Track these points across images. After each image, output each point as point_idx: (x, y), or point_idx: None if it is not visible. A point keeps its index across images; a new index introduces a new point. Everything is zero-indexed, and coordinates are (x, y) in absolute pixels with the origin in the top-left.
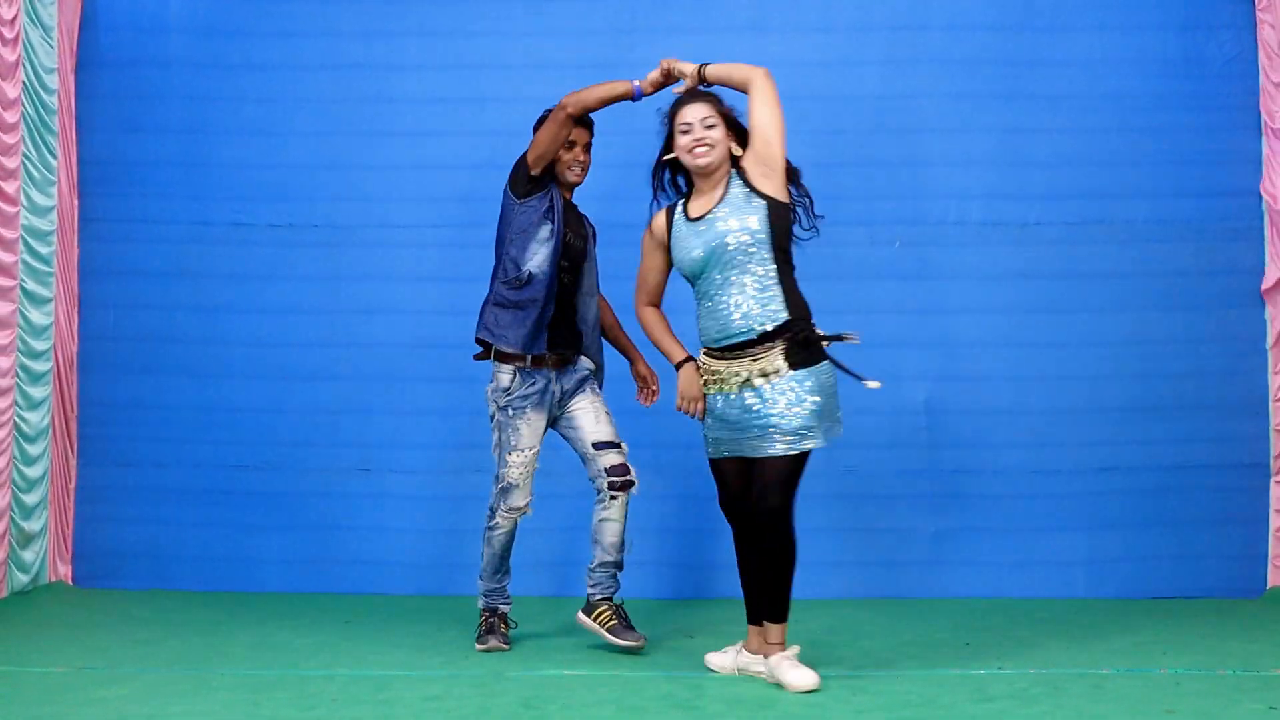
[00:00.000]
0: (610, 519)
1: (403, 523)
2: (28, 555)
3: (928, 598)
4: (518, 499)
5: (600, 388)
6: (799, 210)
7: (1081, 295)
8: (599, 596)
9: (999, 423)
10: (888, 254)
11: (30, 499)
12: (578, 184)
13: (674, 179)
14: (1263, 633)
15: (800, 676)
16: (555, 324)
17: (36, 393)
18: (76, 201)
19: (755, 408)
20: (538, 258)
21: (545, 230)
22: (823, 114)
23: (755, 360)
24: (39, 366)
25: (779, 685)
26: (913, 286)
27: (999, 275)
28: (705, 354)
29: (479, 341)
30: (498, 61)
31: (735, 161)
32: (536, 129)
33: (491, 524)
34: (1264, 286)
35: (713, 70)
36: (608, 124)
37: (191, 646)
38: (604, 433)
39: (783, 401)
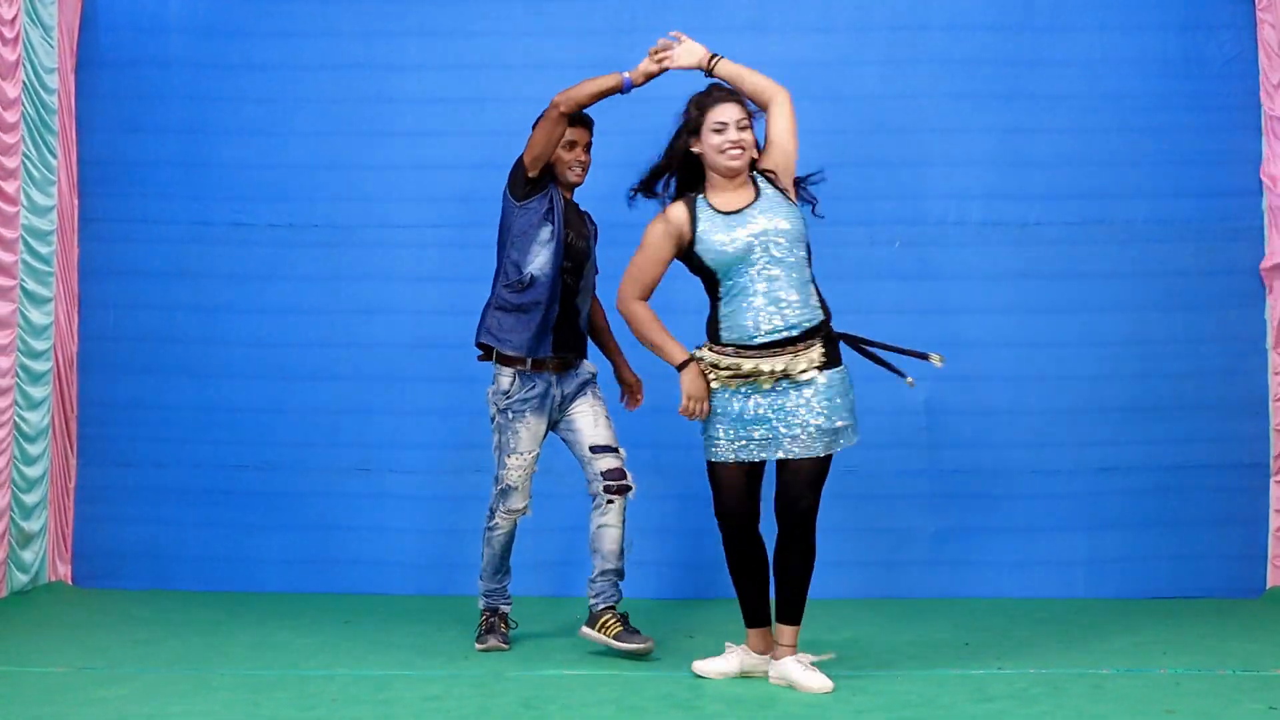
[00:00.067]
0: (608, 524)
1: (403, 523)
2: (27, 555)
3: (928, 598)
4: (516, 501)
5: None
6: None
7: (1081, 295)
8: (602, 606)
9: (999, 423)
10: (888, 254)
11: (30, 499)
12: (578, 184)
13: (669, 178)
14: (1263, 633)
15: (816, 680)
16: (559, 326)
17: (36, 392)
18: (76, 201)
19: (791, 406)
20: (539, 260)
21: (546, 232)
22: (823, 114)
23: (795, 357)
24: (39, 366)
25: (790, 687)
26: (913, 286)
27: (999, 275)
28: (725, 352)
29: (480, 345)
30: (498, 61)
31: (753, 165)
32: (532, 131)
33: (491, 524)
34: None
35: (726, 68)
36: (608, 124)
37: (191, 646)
38: (601, 436)
39: (821, 401)
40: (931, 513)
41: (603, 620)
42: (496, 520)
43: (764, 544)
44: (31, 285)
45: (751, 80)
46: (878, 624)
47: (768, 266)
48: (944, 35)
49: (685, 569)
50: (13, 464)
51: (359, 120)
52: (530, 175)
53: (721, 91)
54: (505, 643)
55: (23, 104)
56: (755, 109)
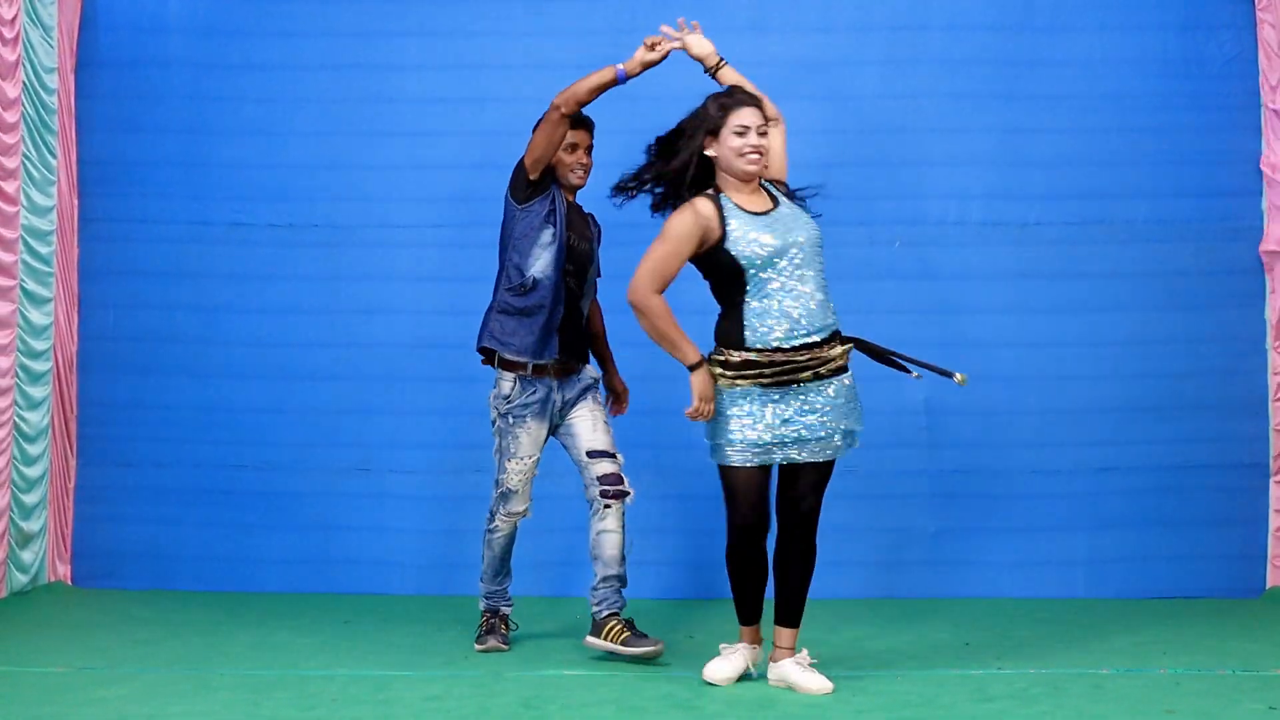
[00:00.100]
0: (607, 530)
1: (403, 523)
2: (27, 555)
3: (928, 598)
4: (516, 504)
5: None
6: None
7: (1081, 295)
8: (605, 613)
9: (999, 423)
10: (888, 254)
11: (30, 499)
12: (580, 186)
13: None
14: (1263, 633)
15: (815, 680)
16: (564, 329)
17: (36, 393)
18: (76, 201)
19: (815, 409)
20: (540, 262)
21: (548, 235)
22: (823, 114)
23: (823, 361)
24: (39, 366)
25: (789, 688)
26: (913, 286)
27: (999, 275)
28: (751, 355)
29: (482, 350)
30: (498, 61)
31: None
32: (533, 134)
33: (491, 527)
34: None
35: (731, 74)
36: (609, 124)
37: (191, 646)
38: (599, 441)
39: (842, 404)
40: (931, 513)
41: (607, 627)
42: (497, 523)
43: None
44: (31, 285)
45: (755, 92)
46: (878, 624)
47: (799, 269)
48: (944, 35)
49: (685, 569)
50: (12, 464)
51: (359, 120)
52: (531, 178)
53: (743, 94)
54: (505, 643)
55: (23, 104)
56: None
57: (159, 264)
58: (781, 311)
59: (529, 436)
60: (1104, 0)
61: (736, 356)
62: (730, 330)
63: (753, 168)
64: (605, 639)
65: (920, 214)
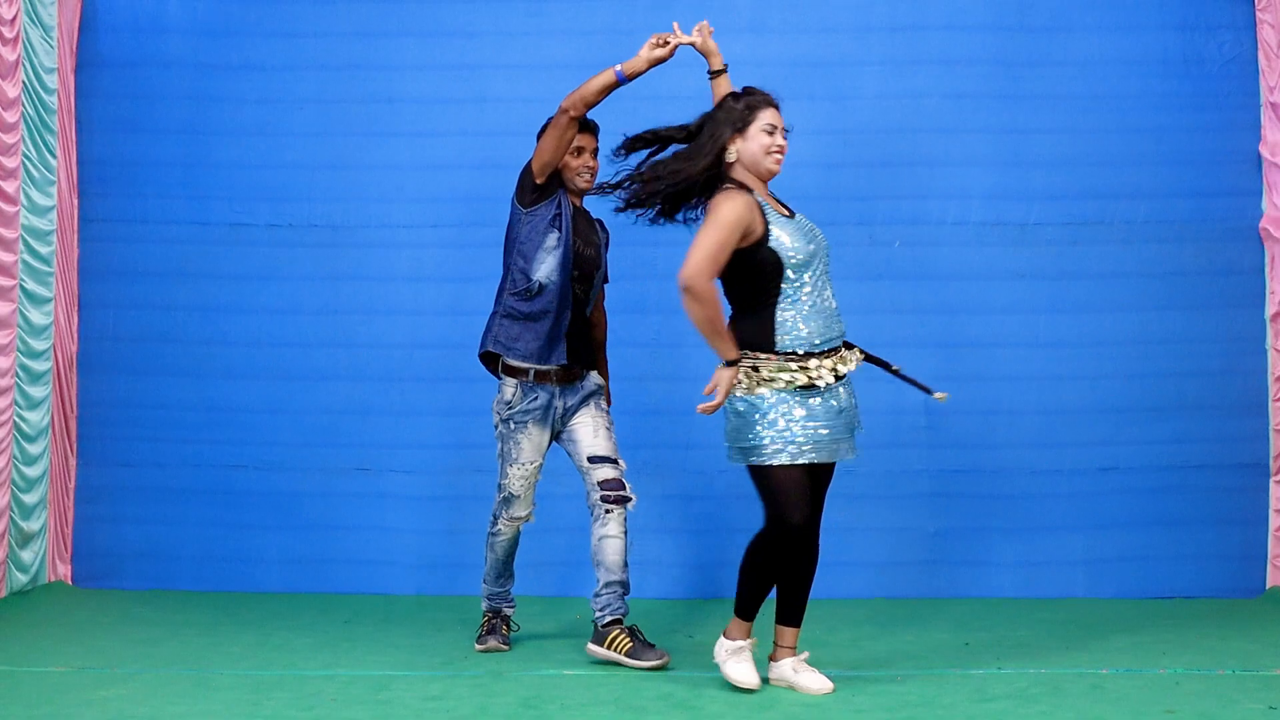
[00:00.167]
0: (609, 535)
1: (403, 523)
2: (27, 555)
3: (928, 598)
4: (519, 509)
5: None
6: None
7: (1081, 295)
8: (608, 619)
9: (999, 423)
10: (888, 254)
11: (30, 499)
12: (588, 190)
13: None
14: (1263, 633)
15: (815, 680)
16: (570, 335)
17: (36, 392)
18: (76, 201)
19: (841, 410)
20: (545, 267)
21: (553, 239)
22: (823, 114)
23: (844, 362)
24: (39, 366)
25: (790, 687)
26: (913, 286)
27: (999, 275)
28: (781, 357)
29: (485, 355)
30: (498, 61)
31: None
32: (540, 138)
33: (494, 530)
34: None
35: (725, 83)
36: (610, 125)
37: (191, 646)
38: (600, 447)
39: (853, 406)
40: (931, 513)
41: (611, 637)
42: (499, 526)
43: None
44: (31, 285)
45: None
46: (878, 624)
47: (823, 275)
48: (944, 35)
49: (685, 569)
50: (12, 464)
51: (359, 120)
52: (538, 182)
53: (766, 94)
54: (505, 644)
55: (23, 104)
56: None
57: (159, 264)
58: (811, 315)
59: (530, 442)
60: (1104, 0)
61: (768, 359)
62: (759, 333)
63: (777, 167)
64: (609, 649)
65: (920, 214)
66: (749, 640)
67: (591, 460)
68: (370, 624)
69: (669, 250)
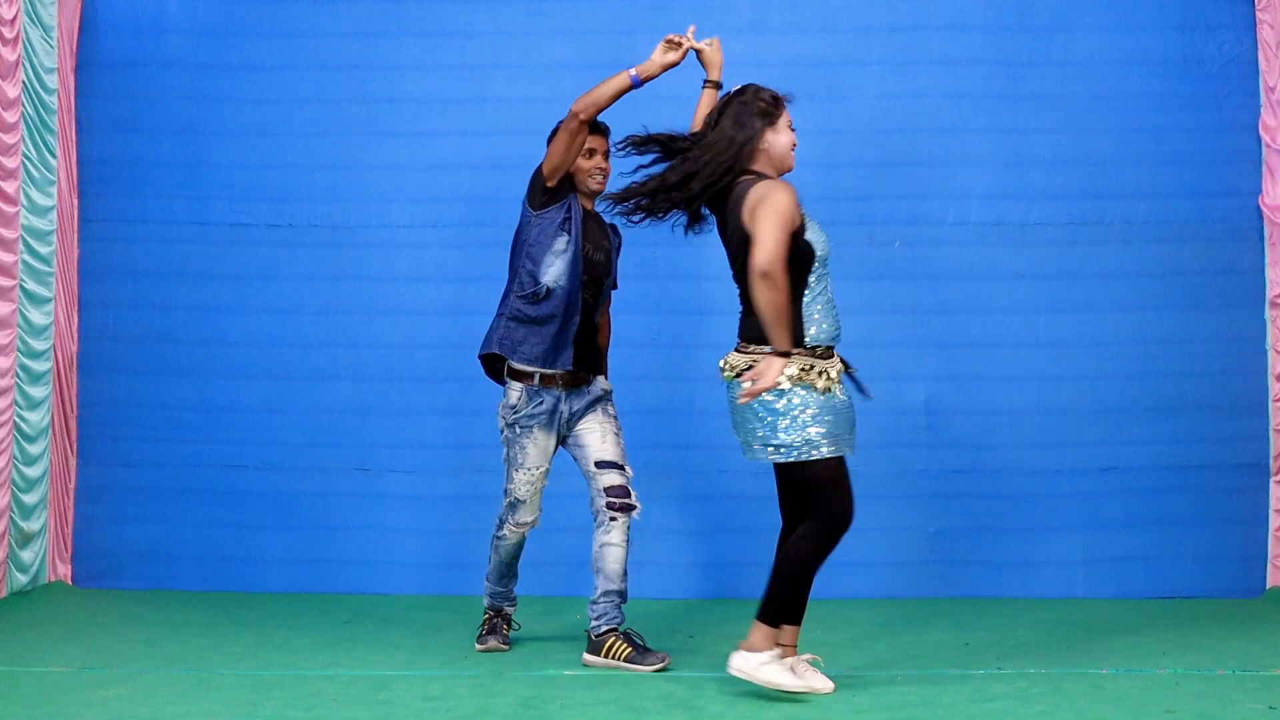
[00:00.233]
0: (611, 543)
1: (403, 523)
2: (27, 555)
3: (928, 598)
4: (525, 514)
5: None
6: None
7: (1081, 295)
8: (604, 629)
9: (999, 423)
10: (888, 254)
11: (30, 499)
12: (599, 192)
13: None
14: (1263, 633)
15: (817, 680)
16: (577, 340)
17: (36, 393)
18: (76, 201)
19: (850, 405)
20: (553, 270)
21: (562, 242)
22: (823, 114)
23: (838, 359)
24: (39, 366)
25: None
26: (913, 286)
27: (999, 275)
28: (807, 352)
29: (487, 357)
30: (498, 61)
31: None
32: (550, 142)
33: (499, 534)
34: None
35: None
36: (617, 125)
37: (191, 646)
38: (608, 453)
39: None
40: (931, 513)
41: (609, 645)
42: (504, 532)
43: None
44: (31, 285)
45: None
46: (878, 624)
47: (829, 271)
48: (944, 35)
49: (685, 569)
50: (13, 464)
51: (359, 120)
52: (549, 185)
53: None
54: (505, 643)
55: (23, 104)
56: None
57: (159, 264)
58: (826, 310)
59: (536, 447)
60: (1104, 0)
61: (799, 354)
62: (806, 324)
63: (793, 165)
64: (608, 657)
65: (920, 214)
66: (781, 650)
67: (599, 465)
68: (370, 624)
69: (669, 250)
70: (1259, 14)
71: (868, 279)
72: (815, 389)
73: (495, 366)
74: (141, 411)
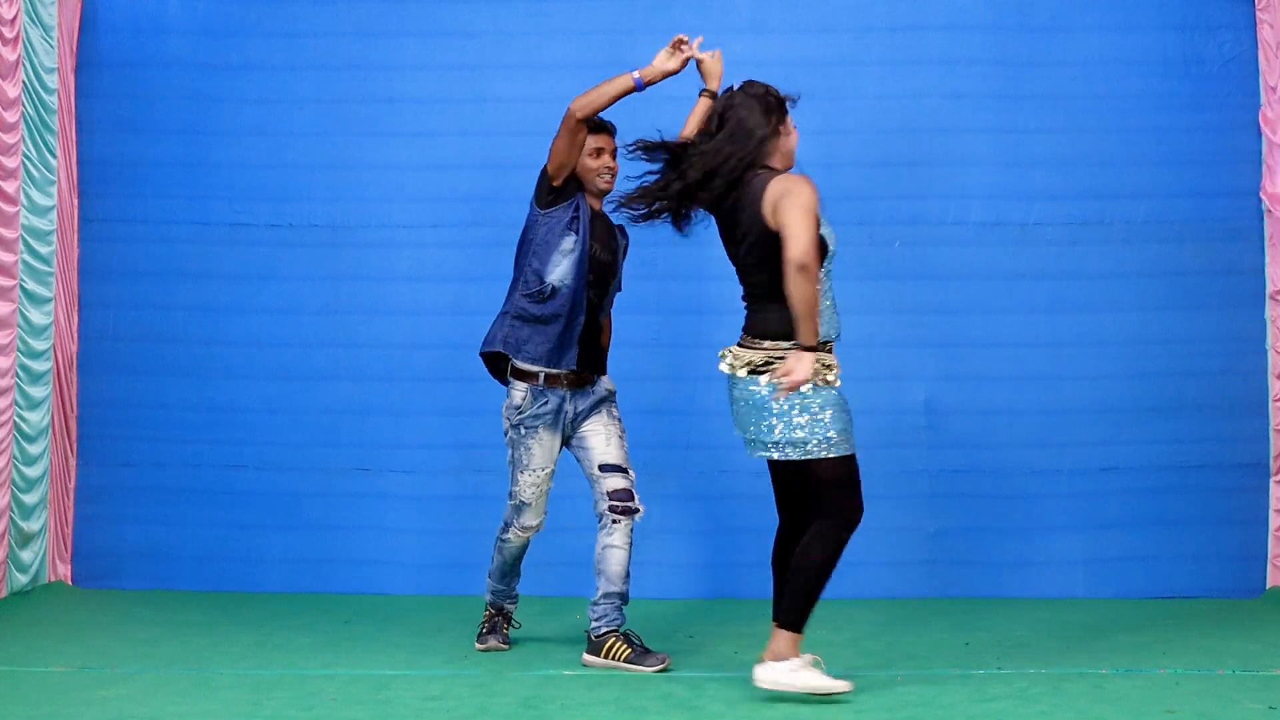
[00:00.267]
0: (614, 545)
1: (402, 523)
2: (27, 555)
3: (928, 598)
4: (530, 518)
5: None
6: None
7: (1081, 295)
8: (604, 630)
9: (999, 423)
10: (888, 254)
11: (30, 499)
12: (608, 191)
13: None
14: (1263, 633)
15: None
16: (582, 340)
17: (36, 393)
18: (76, 201)
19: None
20: (560, 269)
21: (569, 241)
22: (823, 114)
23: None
24: (39, 366)
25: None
26: (913, 286)
27: (999, 275)
28: (823, 349)
29: (491, 356)
30: (498, 61)
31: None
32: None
33: (504, 537)
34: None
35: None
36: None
37: (191, 646)
38: (612, 456)
39: None
40: (931, 513)
41: (609, 645)
42: (509, 536)
43: None
44: (31, 285)
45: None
46: (878, 624)
47: (832, 269)
48: (944, 35)
49: (684, 569)
50: (13, 464)
51: (359, 120)
52: (555, 184)
53: None
54: (505, 643)
55: (23, 104)
56: None
57: (159, 264)
58: (832, 306)
59: (541, 448)
60: (1104, 0)
61: (826, 354)
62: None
63: (794, 163)
64: (608, 658)
65: (920, 214)
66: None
67: (603, 469)
68: (370, 624)
69: (669, 250)
70: (1259, 14)
71: (868, 279)
72: (831, 386)
73: (498, 365)
74: (141, 411)
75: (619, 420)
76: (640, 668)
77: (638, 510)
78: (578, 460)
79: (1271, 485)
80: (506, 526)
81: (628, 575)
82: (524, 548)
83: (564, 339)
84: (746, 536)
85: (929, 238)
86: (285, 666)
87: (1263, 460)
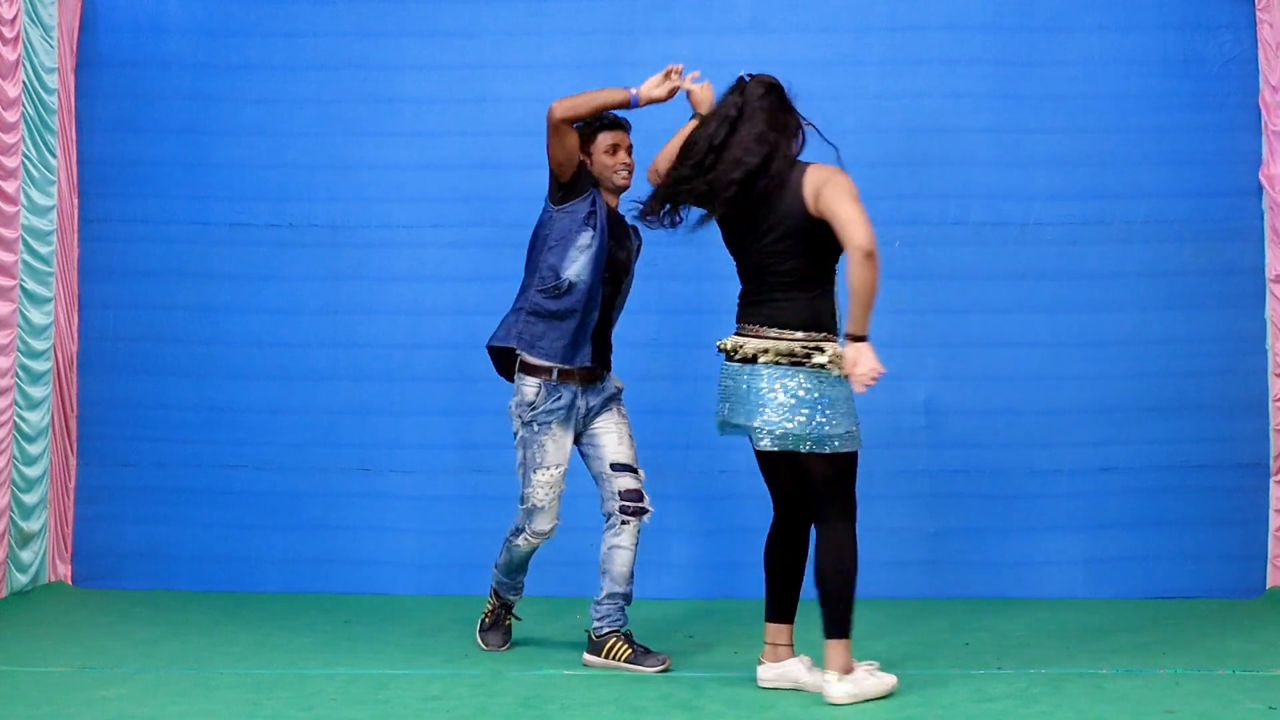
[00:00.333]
0: (621, 546)
1: (402, 523)
2: (27, 555)
3: (928, 598)
4: (543, 523)
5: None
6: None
7: (1081, 295)
8: (606, 630)
9: (999, 423)
10: (888, 254)
11: (30, 499)
12: (626, 188)
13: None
14: (1263, 633)
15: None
16: (594, 337)
17: (36, 393)
18: (76, 201)
19: None
20: (576, 265)
21: (586, 237)
22: (823, 114)
23: None
24: (39, 366)
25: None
26: (913, 286)
27: (999, 275)
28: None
29: (499, 350)
30: (498, 61)
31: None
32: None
33: (514, 541)
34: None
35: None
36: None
37: (191, 646)
38: (624, 455)
39: None
40: (931, 513)
41: (609, 645)
42: (519, 541)
43: None
44: (31, 285)
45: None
46: (878, 624)
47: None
48: (944, 35)
49: (685, 569)
50: (13, 464)
51: (359, 120)
52: (561, 181)
53: None
54: (506, 641)
55: (23, 104)
56: None
57: (159, 264)
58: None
59: (555, 444)
60: (1104, 0)
61: (833, 342)
62: (824, 317)
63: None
64: (608, 658)
65: (920, 214)
66: (775, 647)
67: (614, 468)
68: (370, 624)
69: (669, 250)
70: (1259, 14)
71: None
72: (848, 380)
73: (505, 363)
74: (141, 411)
75: (627, 419)
76: (640, 668)
77: (647, 511)
78: (585, 458)
79: (1271, 485)
80: (518, 531)
81: (632, 576)
82: (533, 551)
83: (579, 335)
84: (746, 536)
85: (929, 237)
86: (285, 666)
87: (1263, 460)
